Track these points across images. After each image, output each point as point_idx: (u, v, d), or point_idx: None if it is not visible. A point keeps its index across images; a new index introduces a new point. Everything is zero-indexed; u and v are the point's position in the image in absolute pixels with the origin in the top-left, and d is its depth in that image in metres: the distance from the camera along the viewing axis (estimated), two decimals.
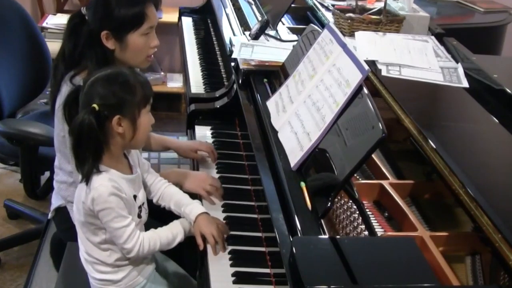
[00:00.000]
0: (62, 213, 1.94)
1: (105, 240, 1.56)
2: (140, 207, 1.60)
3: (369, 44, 2.15)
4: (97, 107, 1.45)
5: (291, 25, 2.59)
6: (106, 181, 1.49)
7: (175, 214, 1.70)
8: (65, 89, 1.76)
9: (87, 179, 1.49)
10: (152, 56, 1.89)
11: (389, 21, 2.30)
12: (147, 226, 1.65)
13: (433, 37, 2.31)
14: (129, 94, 1.49)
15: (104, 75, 1.51)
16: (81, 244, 1.63)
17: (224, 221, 1.73)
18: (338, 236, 1.44)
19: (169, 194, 1.71)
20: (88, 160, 1.48)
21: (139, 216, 1.59)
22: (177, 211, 1.69)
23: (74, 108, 1.53)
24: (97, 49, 1.78)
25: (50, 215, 2.01)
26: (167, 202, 1.71)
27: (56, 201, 1.97)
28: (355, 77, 1.50)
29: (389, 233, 1.47)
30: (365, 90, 1.48)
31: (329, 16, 2.49)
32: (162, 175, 1.82)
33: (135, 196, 1.58)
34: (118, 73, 1.53)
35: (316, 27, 1.95)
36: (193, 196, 1.76)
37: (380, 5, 2.40)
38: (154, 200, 1.72)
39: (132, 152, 1.64)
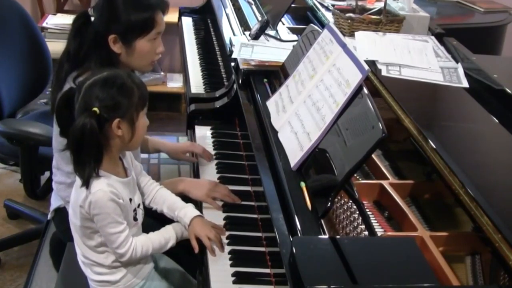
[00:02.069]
0: (62, 213, 1.93)
1: (101, 243, 1.56)
2: (135, 209, 1.60)
3: (369, 44, 2.15)
4: (98, 111, 1.45)
5: (291, 25, 2.59)
6: (104, 186, 1.49)
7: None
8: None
9: (87, 183, 1.49)
10: (155, 61, 1.90)
11: (389, 21, 2.30)
12: (145, 226, 1.65)
13: (433, 37, 2.31)
14: (127, 97, 1.49)
15: (102, 78, 1.50)
16: (77, 247, 1.63)
17: (224, 222, 1.73)
18: (338, 236, 1.44)
19: (161, 197, 1.71)
20: (90, 164, 1.47)
21: (135, 219, 1.60)
22: (170, 215, 1.69)
23: (66, 111, 1.52)
24: (102, 51, 1.79)
25: (49, 216, 2.01)
26: (160, 205, 1.71)
27: (55, 201, 1.97)
28: (355, 77, 1.50)
29: (389, 233, 1.47)
30: (365, 90, 1.48)
31: (329, 16, 2.49)
32: (168, 183, 1.83)
33: (130, 200, 1.58)
34: (115, 76, 1.52)
35: (316, 27, 1.95)
36: (186, 199, 1.76)
37: (380, 5, 2.40)
38: (146, 203, 1.72)
39: (126, 154, 1.64)
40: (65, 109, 1.52)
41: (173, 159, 2.17)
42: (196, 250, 1.60)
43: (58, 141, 1.82)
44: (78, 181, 1.52)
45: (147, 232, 1.63)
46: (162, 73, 4.15)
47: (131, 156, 1.68)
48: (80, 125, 1.43)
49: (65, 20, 3.83)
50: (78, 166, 1.49)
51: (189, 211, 1.65)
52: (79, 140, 1.44)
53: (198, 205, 1.81)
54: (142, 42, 1.80)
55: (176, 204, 1.69)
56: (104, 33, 1.77)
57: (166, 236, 1.62)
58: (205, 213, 1.76)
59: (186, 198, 1.77)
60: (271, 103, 1.85)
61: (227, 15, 2.77)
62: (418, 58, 2.06)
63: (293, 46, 2.02)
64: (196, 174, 2.01)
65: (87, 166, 1.47)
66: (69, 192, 1.81)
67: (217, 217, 1.74)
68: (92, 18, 1.80)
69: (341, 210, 1.54)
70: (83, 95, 1.48)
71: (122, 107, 1.48)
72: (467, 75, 1.96)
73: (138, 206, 1.62)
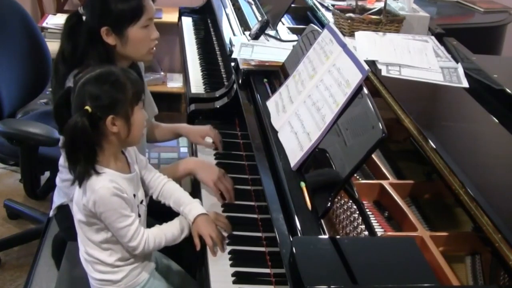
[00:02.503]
0: (64, 211, 1.94)
1: (107, 239, 1.56)
2: (138, 206, 1.60)
3: (369, 44, 2.15)
4: (90, 109, 1.45)
5: (291, 25, 2.59)
6: (107, 182, 1.49)
7: (175, 212, 1.70)
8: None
9: (80, 181, 1.50)
10: (154, 48, 1.89)
11: (389, 21, 2.30)
12: (148, 227, 1.65)
13: (433, 37, 2.31)
14: (120, 93, 1.49)
15: (94, 76, 1.50)
16: (80, 243, 1.62)
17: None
18: (338, 236, 1.44)
19: (169, 191, 1.71)
20: (81, 163, 1.48)
21: (138, 215, 1.59)
22: (176, 209, 1.69)
23: (65, 110, 1.53)
24: (99, 47, 1.79)
25: (51, 213, 2.01)
26: (167, 199, 1.71)
27: (58, 199, 1.98)
28: (355, 77, 1.50)
29: (389, 233, 1.47)
30: (365, 90, 1.48)
31: (329, 16, 2.49)
32: (178, 163, 1.87)
33: (134, 195, 1.58)
34: (108, 72, 1.52)
35: (316, 27, 1.95)
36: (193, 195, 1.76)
37: (380, 5, 2.40)
38: (154, 196, 1.73)
39: (129, 149, 1.64)
40: (65, 109, 1.53)
41: (192, 142, 2.17)
42: (198, 247, 1.60)
43: None
44: None
45: None
46: (162, 73, 4.15)
47: (135, 151, 1.68)
48: (72, 124, 1.44)
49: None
50: (71, 165, 1.50)
51: (194, 208, 1.65)
52: (71, 139, 1.46)
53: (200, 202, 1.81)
54: (134, 30, 1.80)
55: (182, 199, 1.68)
56: (97, 28, 1.78)
57: (179, 227, 1.62)
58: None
59: (192, 194, 1.77)
60: (271, 103, 1.85)
61: (227, 15, 2.77)
62: (418, 58, 2.06)
63: (293, 46, 2.02)
64: None
65: (79, 165, 1.48)
66: (73, 189, 1.81)
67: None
68: (84, 17, 1.80)
69: (341, 210, 1.54)
70: (77, 94, 1.49)
71: (114, 103, 1.48)
72: (467, 75, 1.96)
73: (141, 202, 1.62)
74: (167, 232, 1.60)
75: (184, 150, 3.77)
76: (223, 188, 1.82)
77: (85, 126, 1.44)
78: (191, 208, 1.65)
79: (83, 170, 1.48)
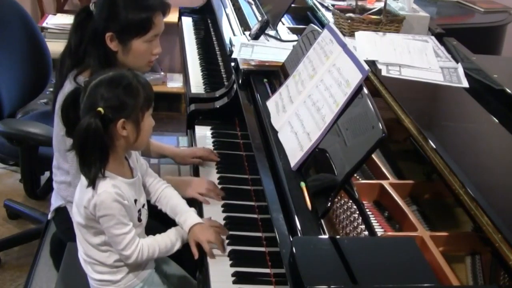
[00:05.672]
0: (62, 213, 1.93)
1: (105, 242, 1.56)
2: (139, 210, 1.59)
3: (369, 44, 2.15)
4: (102, 111, 1.45)
5: (291, 25, 2.60)
6: (110, 187, 1.49)
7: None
8: (68, 87, 1.76)
9: (94, 183, 1.48)
10: (153, 62, 1.89)
11: (389, 21, 2.30)
12: (148, 228, 1.65)
13: (433, 37, 2.31)
14: (133, 98, 1.49)
15: (108, 78, 1.50)
16: (79, 245, 1.62)
17: (224, 222, 1.73)
18: (338, 236, 1.44)
19: (165, 198, 1.71)
20: (95, 164, 1.47)
21: (139, 219, 1.59)
22: (172, 217, 1.68)
23: (72, 110, 1.52)
24: (100, 48, 1.78)
25: (50, 216, 2.01)
26: (164, 206, 1.71)
27: (55, 201, 1.97)
28: (355, 77, 1.50)
29: (389, 233, 1.47)
30: (365, 90, 1.48)
31: (329, 16, 2.49)
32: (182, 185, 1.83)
33: (135, 200, 1.57)
34: (121, 76, 1.52)
35: (316, 27, 1.95)
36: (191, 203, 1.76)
37: (380, 5, 2.40)
38: (152, 201, 1.72)
39: (131, 154, 1.64)
40: (72, 109, 1.52)
41: (178, 163, 2.16)
42: (196, 256, 1.59)
43: (58, 140, 1.82)
44: (83, 180, 1.51)
45: (150, 234, 1.63)
46: (162, 73, 4.15)
47: (137, 155, 1.68)
48: (85, 125, 1.43)
49: (65, 20, 3.84)
50: (84, 167, 1.48)
51: (189, 217, 1.64)
52: (84, 140, 1.44)
53: (198, 204, 1.81)
54: (138, 43, 1.79)
55: (178, 208, 1.68)
56: (102, 30, 1.77)
57: (172, 238, 1.61)
58: (206, 213, 1.76)
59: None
60: (271, 103, 1.85)
61: (227, 15, 2.77)
62: (418, 58, 2.06)
63: (293, 46, 2.02)
64: (196, 174, 2.01)
65: (93, 167, 1.47)
66: (70, 192, 1.81)
67: (218, 217, 1.74)
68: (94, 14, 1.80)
69: (341, 210, 1.54)
70: (89, 94, 1.48)
71: (127, 107, 1.48)
72: (467, 75, 1.96)
73: (143, 206, 1.62)
74: (161, 243, 1.59)
75: None
76: (205, 191, 1.82)
77: (98, 127, 1.42)
78: (186, 218, 1.64)
79: (97, 172, 1.48)
